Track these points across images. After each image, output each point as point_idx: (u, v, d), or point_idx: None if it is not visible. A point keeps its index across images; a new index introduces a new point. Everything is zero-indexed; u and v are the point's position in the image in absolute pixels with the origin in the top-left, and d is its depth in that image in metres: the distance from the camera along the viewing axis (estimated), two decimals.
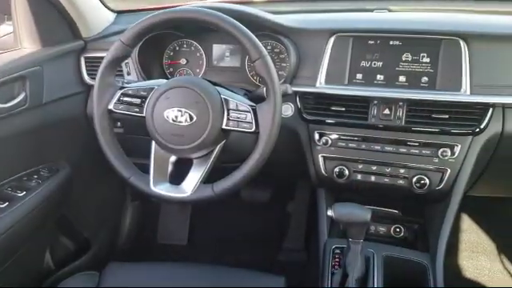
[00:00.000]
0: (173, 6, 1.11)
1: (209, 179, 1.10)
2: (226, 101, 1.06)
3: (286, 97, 1.26)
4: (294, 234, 2.01)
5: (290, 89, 1.21)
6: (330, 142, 1.27)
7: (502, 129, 1.19)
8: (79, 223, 1.67)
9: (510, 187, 1.54)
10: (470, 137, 1.19)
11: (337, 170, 1.28)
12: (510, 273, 1.82)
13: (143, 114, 1.10)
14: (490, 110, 1.17)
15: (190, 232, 2.10)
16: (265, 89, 1.07)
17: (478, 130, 1.17)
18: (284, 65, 1.33)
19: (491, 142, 1.20)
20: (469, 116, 1.18)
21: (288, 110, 1.30)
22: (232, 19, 1.05)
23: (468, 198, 1.39)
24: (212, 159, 1.10)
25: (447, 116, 1.18)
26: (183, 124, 1.05)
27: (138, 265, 1.21)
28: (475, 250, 1.91)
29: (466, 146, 1.19)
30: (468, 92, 1.16)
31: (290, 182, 1.99)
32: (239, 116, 1.05)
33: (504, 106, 1.18)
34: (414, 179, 1.23)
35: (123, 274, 1.17)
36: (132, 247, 2.00)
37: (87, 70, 1.47)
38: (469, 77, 1.16)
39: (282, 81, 1.27)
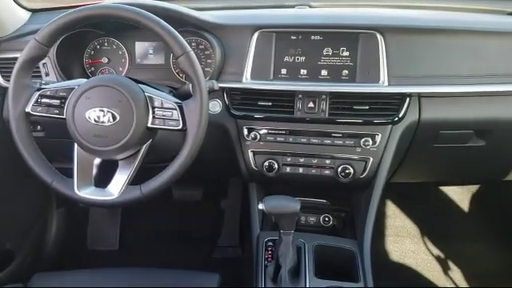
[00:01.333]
0: (91, 4, 1.06)
1: (137, 180, 1.07)
2: (151, 98, 1.04)
3: (213, 93, 1.26)
4: (228, 231, 2.02)
5: (217, 85, 1.21)
6: (258, 136, 1.29)
7: (419, 117, 1.26)
8: (0, 234, 1.57)
9: (429, 172, 1.64)
10: (390, 126, 1.25)
11: (266, 164, 1.30)
12: (432, 254, 1.93)
13: (63, 116, 1.05)
14: (407, 99, 1.24)
15: (121, 236, 2.04)
16: (191, 85, 1.06)
17: (396, 119, 1.24)
18: (210, 61, 1.32)
19: (409, 130, 1.27)
20: (388, 106, 1.24)
21: (216, 106, 1.30)
22: (153, 15, 1.02)
23: (391, 185, 1.46)
24: (138, 159, 1.07)
25: (368, 107, 1.23)
26: (106, 124, 1.01)
27: (66, 273, 1.15)
28: (400, 234, 2.02)
29: (387, 134, 1.25)
30: (386, 83, 1.21)
31: (221, 178, 1.99)
32: (165, 114, 1.03)
33: (420, 96, 1.26)
34: (339, 169, 1.27)
35: (50, 284, 1.11)
36: (60, 256, 1.90)
37: (1, 72, 1.38)
38: (386, 69, 1.21)
39: (208, 77, 1.26)
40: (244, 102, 1.28)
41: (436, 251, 1.94)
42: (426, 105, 1.27)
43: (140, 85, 1.06)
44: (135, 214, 2.05)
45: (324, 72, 1.24)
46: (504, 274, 1.83)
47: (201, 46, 1.33)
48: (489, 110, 1.29)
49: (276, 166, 1.30)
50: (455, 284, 1.79)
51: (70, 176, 1.08)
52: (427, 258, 1.92)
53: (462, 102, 1.27)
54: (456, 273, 1.84)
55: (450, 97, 1.26)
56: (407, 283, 1.81)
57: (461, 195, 2.14)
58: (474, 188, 2.13)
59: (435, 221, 2.07)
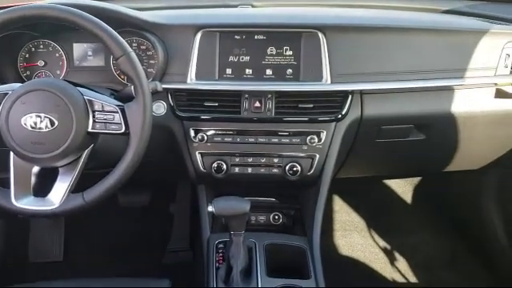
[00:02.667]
0: (25, 4, 1.01)
1: (80, 187, 1.03)
2: (90, 102, 1.00)
3: (157, 94, 1.23)
4: (178, 235, 1.98)
5: (160, 86, 1.19)
6: (206, 137, 1.27)
7: (361, 113, 1.29)
8: None
9: (373, 167, 1.68)
10: (334, 123, 1.27)
11: (215, 165, 1.29)
12: (379, 246, 1.99)
13: None
14: (350, 96, 1.26)
15: (66, 246, 1.95)
16: (132, 87, 1.03)
17: (340, 116, 1.26)
18: (152, 62, 1.29)
19: (353, 126, 1.30)
20: (331, 104, 1.26)
21: (160, 108, 1.27)
22: (91, 16, 0.99)
23: (337, 181, 1.49)
24: (80, 166, 1.03)
25: (312, 105, 1.25)
26: (44, 130, 0.96)
27: None
28: (348, 229, 2.07)
29: (331, 131, 1.27)
30: (329, 81, 1.23)
31: (169, 181, 1.96)
32: (106, 117, 0.99)
33: (362, 92, 1.29)
34: (287, 167, 1.28)
35: None
36: (1, 270, 1.80)
37: None
38: (328, 67, 1.23)
39: (151, 78, 1.23)
40: (189, 102, 1.26)
41: (382, 243, 2.00)
42: (367, 101, 1.30)
43: (79, 88, 1.02)
44: (80, 222, 1.97)
45: (269, 71, 1.24)
46: (447, 261, 1.92)
47: (142, 47, 1.29)
48: (427, 105, 1.34)
49: (224, 166, 1.29)
50: (402, 274, 1.86)
51: (7, 186, 1.02)
52: (374, 251, 1.98)
53: (401, 98, 1.31)
54: (402, 263, 1.90)
55: (391, 93, 1.30)
56: (356, 276, 1.85)
57: (404, 188, 2.22)
58: (415, 180, 2.21)
59: (380, 213, 2.14)
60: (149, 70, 1.28)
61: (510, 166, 1.62)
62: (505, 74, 1.33)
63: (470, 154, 1.56)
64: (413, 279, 1.84)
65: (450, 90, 1.33)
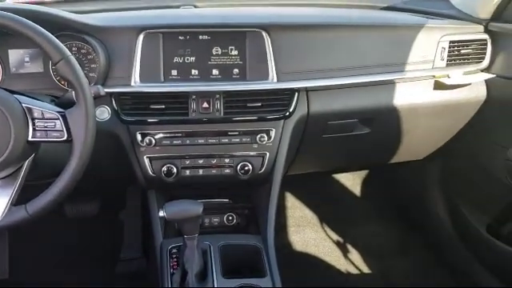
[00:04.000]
0: None
1: (24, 199, 0.98)
2: (29, 109, 0.95)
3: (100, 99, 1.18)
4: (130, 243, 1.93)
5: (103, 90, 1.14)
6: (154, 141, 1.24)
7: (308, 110, 1.31)
8: None
9: (322, 162, 1.71)
10: (282, 121, 1.28)
11: (164, 169, 1.27)
12: (332, 239, 2.03)
13: None
14: (296, 94, 1.28)
15: (12, 262, 1.85)
16: (73, 92, 0.99)
17: (287, 113, 1.27)
18: (94, 66, 1.24)
19: (300, 123, 1.32)
20: (278, 102, 1.27)
21: (104, 113, 1.23)
22: (26, 20, 0.94)
23: (288, 178, 1.50)
24: (21, 177, 0.97)
25: (260, 104, 1.25)
26: None
27: None
28: (301, 224, 2.09)
29: (280, 129, 1.28)
30: (275, 80, 1.24)
31: (117, 188, 1.90)
32: (47, 125, 0.95)
33: (307, 90, 1.31)
34: (239, 166, 1.28)
35: None
36: None
37: None
38: (274, 65, 1.24)
39: (93, 82, 1.19)
40: (135, 106, 1.23)
41: (335, 236, 2.04)
42: (313, 98, 1.32)
43: (16, 95, 0.96)
44: (26, 236, 1.88)
45: (215, 71, 1.23)
46: (398, 250, 1.99)
47: (82, 51, 1.24)
48: (370, 99, 1.38)
49: (175, 170, 1.27)
50: (355, 265, 1.90)
51: None
52: (328, 244, 2.01)
53: (345, 93, 1.35)
54: (355, 254, 1.95)
55: (335, 89, 1.33)
56: (312, 271, 1.88)
57: (352, 181, 2.28)
58: (363, 173, 2.28)
59: (332, 207, 2.18)
60: (90, 74, 1.24)
61: (450, 154, 1.70)
62: (441, 66, 1.39)
63: (413, 145, 1.62)
64: (366, 269, 1.88)
65: (391, 83, 1.37)
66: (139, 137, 1.24)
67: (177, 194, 1.34)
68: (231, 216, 1.47)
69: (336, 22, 1.37)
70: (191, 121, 1.24)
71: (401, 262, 1.92)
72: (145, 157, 1.26)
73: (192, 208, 1.07)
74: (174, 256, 1.22)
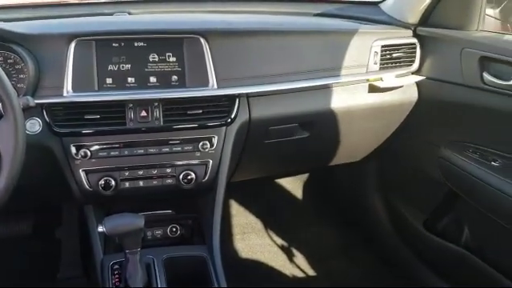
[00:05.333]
0: None
1: None
2: None
3: (31, 111, 1.12)
4: (68, 262, 1.83)
5: (33, 101, 1.08)
6: (89, 153, 1.19)
7: (249, 116, 1.31)
8: None
9: (265, 168, 1.72)
10: (224, 127, 1.27)
11: (102, 182, 1.21)
12: (277, 244, 2.04)
13: None
14: (237, 100, 1.27)
15: None
16: (0, 104, 0.93)
17: (229, 120, 1.26)
18: (22, 76, 1.17)
19: (242, 130, 1.31)
20: (219, 108, 1.26)
21: (35, 125, 1.16)
22: None
23: (232, 185, 1.49)
24: None
25: (201, 111, 1.23)
26: None
27: None
28: (246, 231, 2.09)
29: (222, 136, 1.27)
30: (215, 86, 1.23)
31: (53, 205, 1.80)
32: None
33: (248, 96, 1.30)
34: (181, 176, 1.25)
35: None
36: None
37: None
38: (214, 72, 1.22)
39: (22, 94, 1.12)
40: (68, 117, 1.17)
41: (280, 241, 2.05)
42: (254, 104, 1.32)
43: None
44: None
45: (153, 79, 1.20)
46: (341, 251, 2.03)
47: (9, 60, 1.17)
48: (309, 104, 1.40)
49: (113, 182, 1.22)
50: (301, 269, 1.92)
51: None
52: (273, 250, 2.02)
53: (285, 99, 1.36)
54: (300, 258, 1.97)
55: (275, 94, 1.34)
56: (259, 278, 1.87)
57: (294, 185, 2.30)
58: (304, 177, 2.31)
59: (275, 212, 2.19)
60: (19, 85, 1.16)
61: (386, 155, 1.77)
62: (375, 70, 1.44)
63: (351, 147, 1.66)
64: (311, 272, 1.91)
65: (328, 88, 1.41)
66: (73, 149, 1.18)
67: (117, 207, 1.29)
68: (175, 227, 1.43)
69: (272, 28, 1.38)
70: (129, 130, 1.20)
71: (344, 263, 1.96)
72: (80, 170, 1.20)
73: (133, 221, 1.03)
74: (116, 272, 1.17)
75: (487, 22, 1.45)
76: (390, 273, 1.88)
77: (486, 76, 1.30)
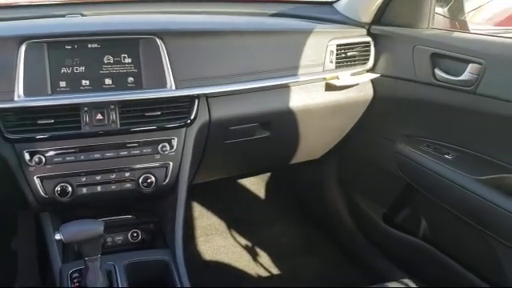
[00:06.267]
0: None
1: None
2: None
3: None
4: (25, 272, 1.77)
5: None
6: (44, 159, 1.15)
7: (209, 117, 1.31)
8: None
9: (227, 168, 1.72)
10: (184, 129, 1.26)
11: (58, 188, 1.18)
12: (241, 244, 2.04)
13: None
14: (196, 101, 1.26)
15: None
16: None
17: (189, 121, 1.25)
18: None
19: (203, 131, 1.31)
20: (178, 110, 1.24)
21: None
22: None
23: (194, 187, 1.48)
24: None
25: (159, 112, 1.22)
26: None
27: None
28: (209, 233, 2.07)
29: (182, 137, 1.26)
30: (173, 87, 1.21)
31: (7, 213, 1.73)
32: None
33: (207, 96, 1.30)
34: (141, 179, 1.23)
35: None
36: None
37: None
38: (171, 73, 1.21)
39: None
40: (20, 122, 1.13)
41: (244, 241, 2.05)
42: (214, 104, 1.32)
43: None
44: None
45: (108, 81, 1.17)
46: (305, 249, 2.05)
47: None
48: (268, 103, 1.41)
49: (70, 188, 1.18)
50: (265, 268, 1.92)
51: None
52: (237, 250, 2.01)
53: (245, 99, 1.36)
54: (264, 257, 1.97)
55: (234, 94, 1.34)
56: (223, 279, 1.87)
57: (257, 185, 2.31)
58: (266, 176, 2.32)
59: (238, 213, 2.19)
60: None
61: (345, 152, 1.80)
62: (331, 68, 1.46)
63: (310, 145, 1.68)
64: (276, 271, 1.92)
65: (286, 87, 1.42)
66: (27, 156, 1.14)
67: (74, 214, 1.25)
68: (136, 232, 1.41)
69: (229, 28, 1.38)
70: (85, 134, 1.17)
71: (307, 259, 1.98)
72: (35, 177, 1.16)
73: (91, 228, 1.01)
74: (76, 281, 1.14)
75: (437, 20, 1.50)
76: (352, 266, 1.92)
77: (438, 72, 1.35)
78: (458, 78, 1.29)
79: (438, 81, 1.35)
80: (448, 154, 1.37)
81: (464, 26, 1.56)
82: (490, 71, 1.21)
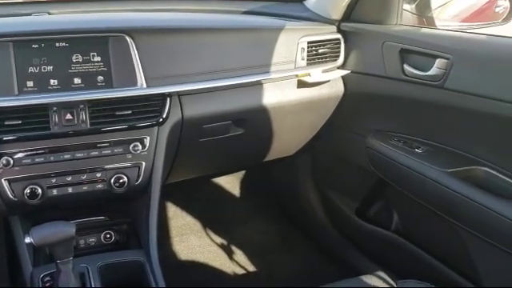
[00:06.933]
0: None
1: None
2: None
3: None
4: None
5: None
6: (12, 161, 1.12)
7: (182, 115, 1.30)
8: None
9: (201, 167, 1.71)
10: (156, 127, 1.25)
11: (27, 191, 1.15)
12: (216, 243, 2.03)
13: None
14: (168, 99, 1.25)
15: None
16: None
17: (161, 120, 1.24)
18: None
19: (175, 129, 1.30)
20: (150, 108, 1.23)
21: None
22: None
23: (168, 186, 1.47)
24: None
25: (130, 111, 1.20)
26: None
27: None
28: (184, 233, 2.06)
29: (154, 136, 1.25)
30: (144, 85, 1.20)
31: None
32: None
33: (179, 94, 1.29)
34: (113, 180, 1.21)
35: None
36: None
37: None
38: (142, 71, 1.19)
39: None
40: None
41: (219, 240, 2.04)
42: (186, 102, 1.31)
43: None
44: None
45: (77, 80, 1.15)
46: (280, 246, 2.06)
47: None
48: (241, 101, 1.41)
49: (40, 191, 1.16)
50: (241, 266, 1.93)
51: None
52: (212, 249, 2.01)
53: (218, 96, 1.36)
54: (240, 255, 1.97)
55: (207, 92, 1.33)
56: (199, 279, 1.86)
57: (232, 183, 2.31)
58: (240, 174, 2.32)
59: (214, 212, 2.19)
60: None
61: (318, 148, 1.81)
62: (303, 65, 1.47)
63: (284, 142, 1.69)
64: (252, 268, 1.92)
65: (259, 84, 1.42)
66: None
67: (45, 216, 1.22)
68: (109, 233, 1.39)
69: (200, 25, 1.37)
70: (54, 135, 1.14)
71: (283, 255, 1.99)
72: (3, 180, 1.13)
73: (62, 230, 0.99)
74: (48, 284, 1.11)
75: (405, 17, 1.53)
76: (327, 261, 1.94)
77: (407, 67, 1.37)
78: (427, 73, 1.31)
79: (407, 76, 1.37)
80: (418, 148, 1.40)
81: (431, 23, 1.59)
82: (457, 66, 1.24)
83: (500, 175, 1.22)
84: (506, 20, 1.57)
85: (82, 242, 1.35)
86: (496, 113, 1.17)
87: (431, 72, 1.30)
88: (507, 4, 1.56)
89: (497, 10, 1.61)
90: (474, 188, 1.23)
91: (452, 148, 1.35)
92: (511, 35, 1.25)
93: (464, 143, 1.32)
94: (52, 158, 1.16)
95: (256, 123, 1.50)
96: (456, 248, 1.36)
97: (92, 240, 1.37)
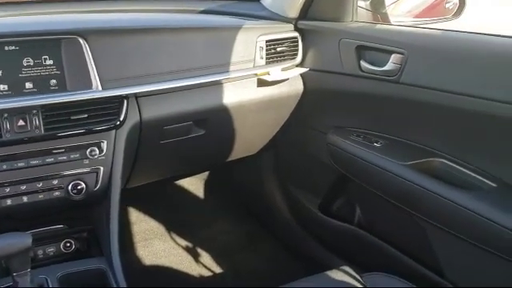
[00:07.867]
0: None
1: None
2: None
3: None
4: None
5: None
6: None
7: (140, 117, 1.27)
8: None
9: (163, 170, 1.68)
10: (114, 131, 1.22)
11: None
12: (181, 246, 2.01)
13: None
14: (125, 101, 1.22)
15: None
16: None
17: (118, 123, 1.21)
18: None
19: (134, 132, 1.27)
20: (107, 111, 1.20)
21: None
22: None
23: (129, 191, 1.44)
24: None
25: (86, 115, 1.17)
26: None
27: None
28: (148, 238, 2.03)
29: (112, 140, 1.22)
30: (100, 88, 1.17)
31: None
32: None
33: (137, 96, 1.26)
34: (70, 187, 1.18)
35: None
36: None
37: None
38: (97, 73, 1.16)
39: None
40: None
41: (184, 243, 2.02)
42: (144, 104, 1.28)
43: None
44: None
45: (29, 84, 1.11)
46: (245, 245, 2.05)
47: None
48: (201, 101, 1.40)
49: None
50: (207, 267, 1.91)
51: None
52: (178, 252, 1.98)
53: (177, 97, 1.34)
54: (206, 257, 1.96)
55: (165, 93, 1.31)
56: (165, 283, 1.83)
57: (195, 184, 2.29)
58: (204, 175, 2.30)
59: (178, 215, 2.16)
60: None
61: (280, 145, 1.82)
62: (262, 64, 1.47)
63: (246, 141, 1.69)
64: (218, 269, 1.91)
65: (219, 84, 1.41)
66: None
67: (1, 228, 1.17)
68: (69, 242, 1.34)
69: (155, 25, 1.35)
70: (6, 142, 1.10)
71: (249, 255, 1.99)
72: None
73: (17, 241, 0.94)
74: None
75: (360, 14, 1.55)
76: (293, 258, 1.95)
77: (363, 64, 1.39)
78: (382, 69, 1.34)
79: (364, 72, 1.39)
80: (377, 142, 1.43)
81: (386, 19, 1.63)
82: (411, 60, 1.27)
83: (456, 166, 1.26)
84: (455, 15, 1.63)
85: (40, 252, 1.30)
86: (449, 105, 1.20)
87: (387, 67, 1.33)
88: (456, 0, 1.62)
89: (447, 5, 1.67)
90: (432, 179, 1.27)
91: (409, 141, 1.38)
92: (462, 30, 1.30)
93: (421, 136, 1.35)
94: (5, 167, 1.11)
95: (217, 123, 1.49)
96: (418, 239, 1.39)
97: (51, 250, 1.32)
